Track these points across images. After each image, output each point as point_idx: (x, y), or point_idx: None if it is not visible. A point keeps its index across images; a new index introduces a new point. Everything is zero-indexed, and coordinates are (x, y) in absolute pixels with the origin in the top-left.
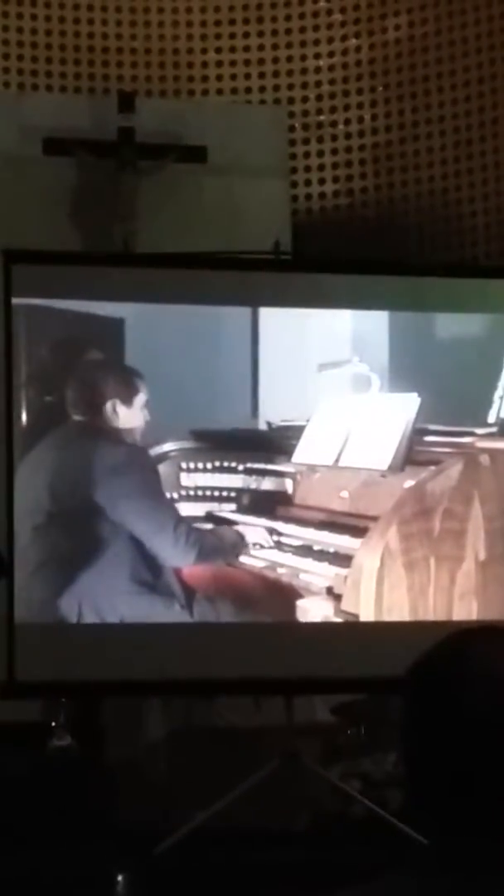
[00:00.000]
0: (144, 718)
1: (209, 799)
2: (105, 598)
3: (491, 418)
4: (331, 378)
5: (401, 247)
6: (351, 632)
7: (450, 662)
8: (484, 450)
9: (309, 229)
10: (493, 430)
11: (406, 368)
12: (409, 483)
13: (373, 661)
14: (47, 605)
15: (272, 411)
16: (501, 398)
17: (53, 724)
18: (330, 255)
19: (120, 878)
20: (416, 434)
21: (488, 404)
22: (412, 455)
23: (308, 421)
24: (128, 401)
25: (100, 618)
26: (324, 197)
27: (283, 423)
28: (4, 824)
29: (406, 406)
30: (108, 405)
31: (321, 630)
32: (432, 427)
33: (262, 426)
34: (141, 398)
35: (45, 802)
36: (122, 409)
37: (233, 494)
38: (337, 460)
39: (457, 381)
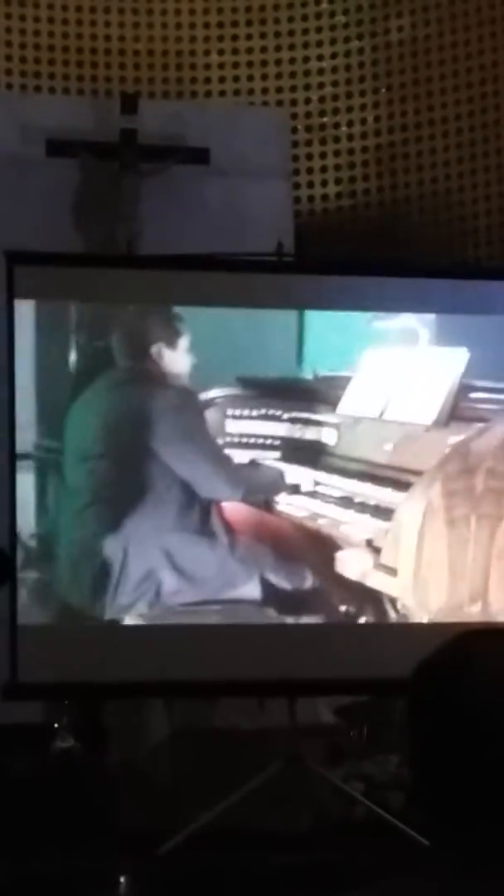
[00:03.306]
0: (147, 720)
1: (212, 800)
2: (153, 536)
3: None
4: (378, 330)
5: (403, 248)
6: (354, 633)
7: (453, 665)
8: None
9: (312, 231)
10: None
11: (455, 322)
12: (454, 439)
13: (376, 663)
14: (93, 544)
15: (318, 360)
16: None
17: (56, 725)
18: (332, 257)
19: (123, 879)
20: (463, 390)
21: None
22: (458, 411)
23: (354, 372)
24: (172, 344)
25: (146, 556)
26: (326, 199)
27: (328, 374)
28: (8, 826)
29: (454, 361)
30: (154, 349)
31: (324, 631)
32: (479, 383)
33: (308, 375)
34: (185, 341)
35: (48, 804)
36: (167, 352)
37: (277, 443)
38: (382, 413)
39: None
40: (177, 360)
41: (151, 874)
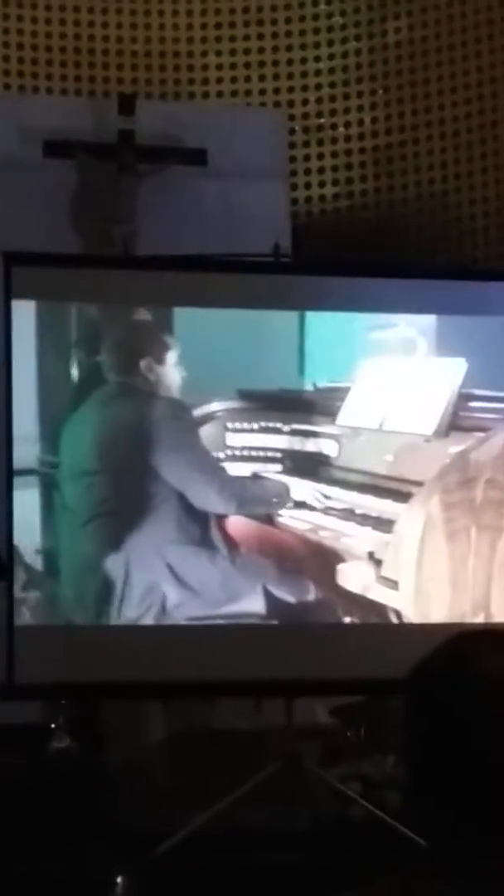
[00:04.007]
0: (144, 720)
1: (209, 800)
2: (153, 549)
3: None
4: (377, 340)
5: (400, 249)
6: (350, 633)
7: (450, 665)
8: None
9: (309, 232)
10: None
11: (453, 332)
12: (454, 449)
13: (373, 663)
14: (95, 561)
15: (318, 372)
16: None
17: (53, 726)
18: (330, 258)
19: (120, 879)
20: (462, 399)
21: None
22: (457, 421)
23: (353, 382)
24: (161, 359)
25: (148, 570)
26: (324, 200)
27: (328, 385)
28: (4, 826)
29: (452, 371)
30: (143, 364)
31: (321, 631)
32: (478, 392)
33: (308, 386)
34: (173, 355)
35: (45, 804)
36: (156, 366)
37: (278, 455)
38: (382, 424)
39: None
40: (166, 373)
41: (149, 874)
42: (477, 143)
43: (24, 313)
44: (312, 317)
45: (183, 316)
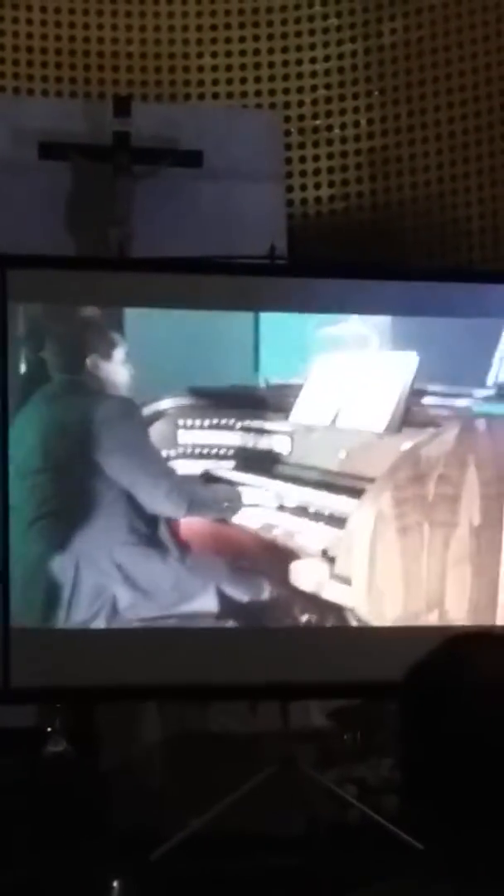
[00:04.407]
0: (140, 724)
1: (205, 804)
2: (103, 549)
3: (490, 381)
4: (329, 336)
5: (396, 251)
6: (346, 636)
7: (446, 668)
8: (481, 413)
9: (304, 234)
10: (492, 392)
11: (405, 326)
12: (406, 445)
13: (369, 666)
14: (42, 562)
15: (271, 369)
16: (501, 360)
17: (49, 729)
18: (325, 260)
19: (115, 883)
20: (414, 395)
21: (487, 366)
22: (410, 416)
23: (305, 379)
24: (107, 355)
25: (98, 571)
26: (319, 201)
27: (281, 382)
28: (0, 829)
29: (404, 365)
30: (89, 361)
31: (317, 634)
32: (431, 388)
33: (260, 383)
34: (120, 352)
35: (41, 808)
36: (102, 363)
37: (230, 452)
38: (334, 420)
39: (456, 341)
40: (113, 370)
41: (144, 878)
42: (472, 144)
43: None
44: (266, 314)
45: (133, 313)
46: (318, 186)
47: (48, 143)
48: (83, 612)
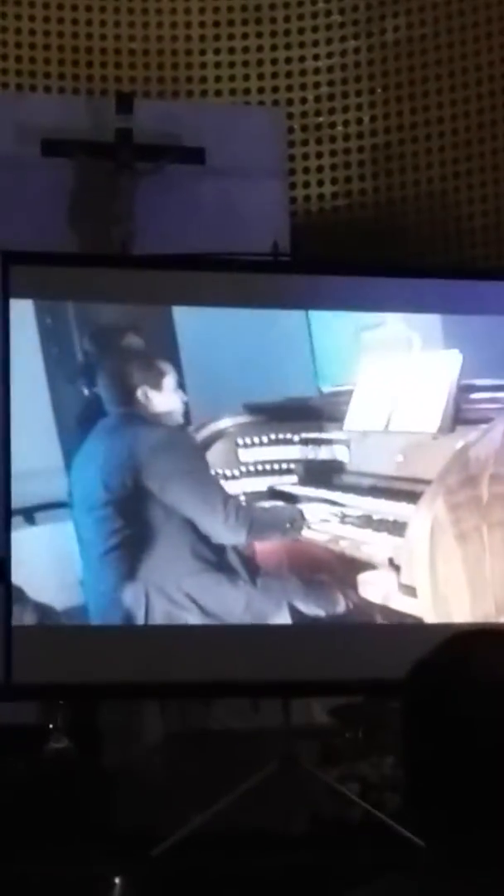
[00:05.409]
0: (142, 721)
1: (206, 801)
2: (171, 580)
3: None
4: (371, 339)
5: (399, 249)
6: (349, 633)
7: (449, 666)
8: None
9: (307, 231)
10: None
11: (446, 325)
12: (461, 443)
13: (371, 664)
14: (116, 592)
15: (325, 376)
16: None
17: (51, 726)
18: (328, 257)
19: (117, 880)
20: (462, 392)
21: None
22: (461, 414)
23: (354, 385)
24: (157, 385)
25: (168, 600)
26: (322, 198)
27: (333, 389)
28: (1, 827)
29: (449, 363)
30: (139, 392)
31: (319, 632)
32: (478, 383)
33: (314, 393)
34: (170, 381)
35: (42, 805)
36: (153, 394)
37: (292, 466)
38: (387, 425)
39: (498, 338)
40: (164, 400)
41: (146, 875)
42: (475, 141)
43: (22, 316)
44: (315, 318)
45: (185, 336)
46: (321, 183)
47: (51, 140)
48: None
